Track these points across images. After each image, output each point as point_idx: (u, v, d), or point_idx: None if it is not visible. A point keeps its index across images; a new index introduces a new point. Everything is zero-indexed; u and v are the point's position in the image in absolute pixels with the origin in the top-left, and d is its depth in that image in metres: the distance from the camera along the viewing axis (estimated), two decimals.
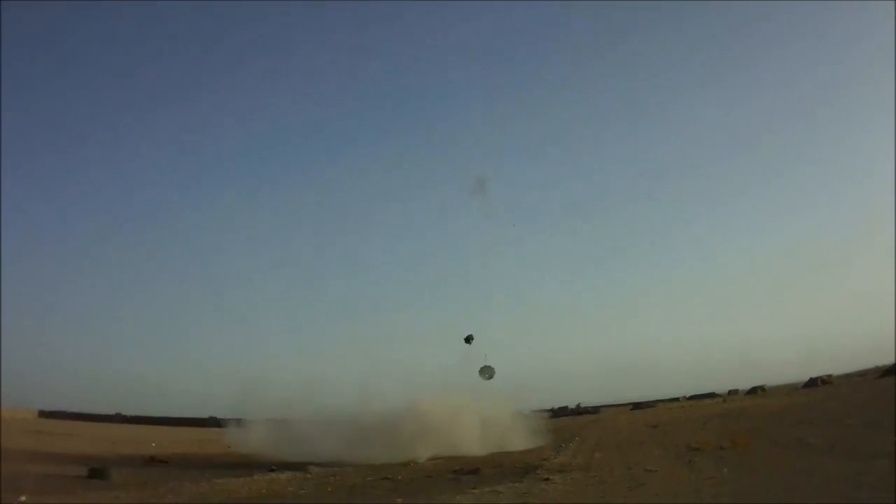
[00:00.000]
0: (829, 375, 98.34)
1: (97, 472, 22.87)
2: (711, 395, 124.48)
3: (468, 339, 40.68)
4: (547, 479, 19.46)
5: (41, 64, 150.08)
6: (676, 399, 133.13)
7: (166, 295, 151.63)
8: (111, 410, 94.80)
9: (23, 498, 15.68)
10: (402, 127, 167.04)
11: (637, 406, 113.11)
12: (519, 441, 37.10)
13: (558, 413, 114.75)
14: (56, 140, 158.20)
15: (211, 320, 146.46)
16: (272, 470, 25.42)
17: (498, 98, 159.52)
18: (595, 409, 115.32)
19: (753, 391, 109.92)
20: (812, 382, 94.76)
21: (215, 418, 43.85)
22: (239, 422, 42.95)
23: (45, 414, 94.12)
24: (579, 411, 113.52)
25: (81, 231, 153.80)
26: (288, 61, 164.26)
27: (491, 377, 39.99)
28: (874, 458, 15.59)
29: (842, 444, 19.58)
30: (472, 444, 35.81)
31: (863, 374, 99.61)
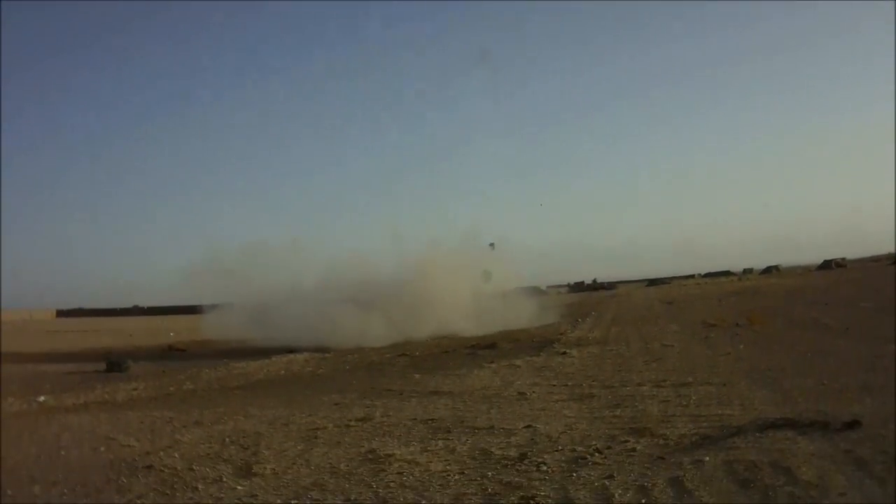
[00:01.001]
0: (843, 259, 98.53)
1: (115, 365, 23.16)
2: (726, 274, 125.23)
3: (491, 246, 40.73)
4: (564, 353, 19.83)
5: None
6: (691, 276, 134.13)
7: (171, 181, 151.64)
8: (128, 304, 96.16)
9: (42, 397, 15.97)
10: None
11: (652, 282, 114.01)
12: (529, 318, 36.11)
13: (575, 288, 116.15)
14: None
15: (217, 203, 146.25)
16: (290, 351, 25.90)
17: None
18: (611, 285, 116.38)
19: (768, 271, 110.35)
20: (826, 265, 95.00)
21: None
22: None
23: (62, 313, 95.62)
24: (595, 287, 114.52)
25: (81, 128, 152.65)
26: None
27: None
28: (889, 342, 15.73)
29: (856, 327, 19.78)
30: (472, 321, 34.04)
31: (876, 260, 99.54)
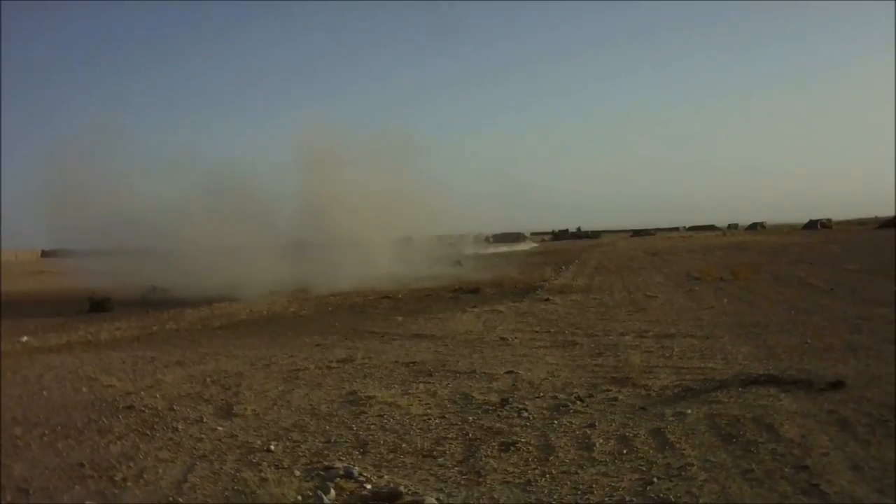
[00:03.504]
0: (829, 220, 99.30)
1: (98, 304, 23.16)
2: (711, 228, 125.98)
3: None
4: (547, 300, 19.85)
5: None
6: (676, 229, 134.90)
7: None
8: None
9: (24, 338, 15.89)
10: None
11: (637, 233, 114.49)
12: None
13: (559, 236, 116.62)
14: None
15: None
16: (272, 292, 25.95)
17: None
18: (595, 234, 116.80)
19: (753, 227, 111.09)
20: (812, 224, 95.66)
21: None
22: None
23: (47, 253, 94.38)
24: (579, 235, 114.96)
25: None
26: None
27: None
28: (875, 304, 15.72)
29: (842, 288, 19.75)
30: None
31: (863, 223, 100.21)
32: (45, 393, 9.60)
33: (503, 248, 70.55)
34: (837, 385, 8.09)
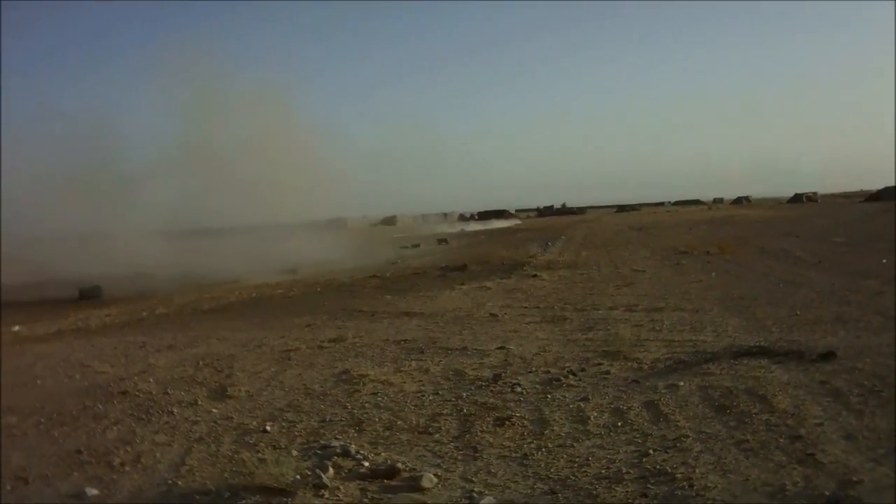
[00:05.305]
0: (815, 193, 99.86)
1: (88, 291, 23.25)
2: (696, 203, 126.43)
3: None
4: (535, 276, 19.84)
5: None
6: (661, 204, 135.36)
7: None
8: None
9: (16, 327, 15.86)
10: None
11: (622, 209, 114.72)
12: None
13: (544, 212, 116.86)
14: None
15: None
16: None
17: None
18: (580, 210, 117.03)
19: (738, 201, 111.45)
20: (797, 198, 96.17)
21: None
22: None
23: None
24: (564, 211, 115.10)
25: None
26: None
27: None
28: (862, 276, 15.77)
29: (829, 260, 19.85)
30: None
31: (848, 196, 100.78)
32: (38, 381, 9.48)
33: (475, 226, 70.14)
34: (828, 356, 8.13)
